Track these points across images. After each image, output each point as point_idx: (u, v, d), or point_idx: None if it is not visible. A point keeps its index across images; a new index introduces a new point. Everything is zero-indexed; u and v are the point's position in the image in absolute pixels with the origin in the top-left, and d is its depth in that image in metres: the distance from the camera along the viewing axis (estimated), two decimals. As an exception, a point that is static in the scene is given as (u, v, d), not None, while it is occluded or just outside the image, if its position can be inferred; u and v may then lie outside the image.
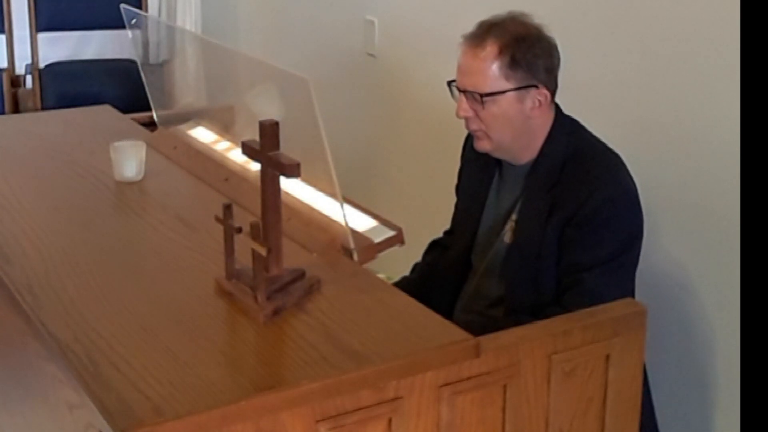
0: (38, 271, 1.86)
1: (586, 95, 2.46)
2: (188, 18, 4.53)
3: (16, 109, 4.31)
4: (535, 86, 2.01)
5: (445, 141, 3.14)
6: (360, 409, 1.50)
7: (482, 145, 2.08)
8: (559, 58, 2.05)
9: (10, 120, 3.60)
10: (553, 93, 2.05)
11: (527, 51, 2.00)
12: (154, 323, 1.65)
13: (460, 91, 2.05)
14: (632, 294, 2.06)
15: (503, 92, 1.99)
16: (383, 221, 2.06)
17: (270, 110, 1.98)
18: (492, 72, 1.99)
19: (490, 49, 1.99)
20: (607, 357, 1.76)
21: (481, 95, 2.00)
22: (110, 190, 2.31)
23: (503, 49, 1.99)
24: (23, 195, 2.27)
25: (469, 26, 2.12)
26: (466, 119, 2.06)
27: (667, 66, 2.32)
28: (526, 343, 1.66)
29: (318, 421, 1.47)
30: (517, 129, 2.03)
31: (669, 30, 2.31)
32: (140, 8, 4.45)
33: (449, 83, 2.09)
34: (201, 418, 1.38)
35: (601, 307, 1.81)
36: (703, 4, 2.21)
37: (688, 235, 2.31)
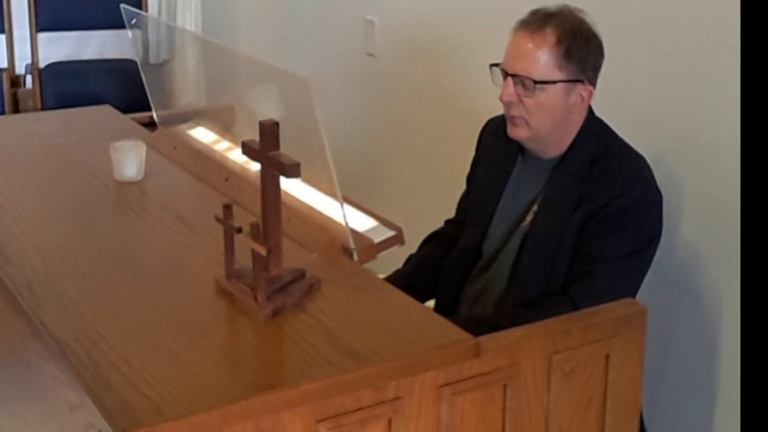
0: (38, 271, 1.86)
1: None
2: (188, 18, 4.53)
3: (16, 109, 4.31)
4: (582, 81, 2.03)
5: (445, 140, 3.14)
6: (360, 409, 1.50)
7: (519, 133, 2.07)
8: (604, 59, 2.07)
9: (10, 120, 3.60)
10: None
11: (582, 45, 2.02)
12: (154, 323, 1.65)
13: (508, 74, 2.04)
14: (635, 294, 2.07)
15: (554, 82, 2.00)
16: (383, 221, 2.06)
17: (270, 110, 1.98)
18: (547, 60, 2.00)
19: (549, 37, 2.00)
20: (607, 357, 1.76)
21: (534, 81, 2.00)
22: (110, 190, 2.31)
23: (561, 40, 2.00)
24: (23, 195, 2.27)
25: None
26: (508, 104, 2.05)
27: (668, 65, 2.32)
28: (526, 343, 1.67)
29: (318, 421, 1.47)
30: (558, 121, 2.04)
31: (669, 28, 2.31)
32: (140, 8, 4.45)
33: (492, 66, 2.09)
34: (201, 418, 1.38)
35: (601, 307, 1.81)
36: (703, 3, 2.21)
37: (688, 234, 2.31)
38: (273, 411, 1.43)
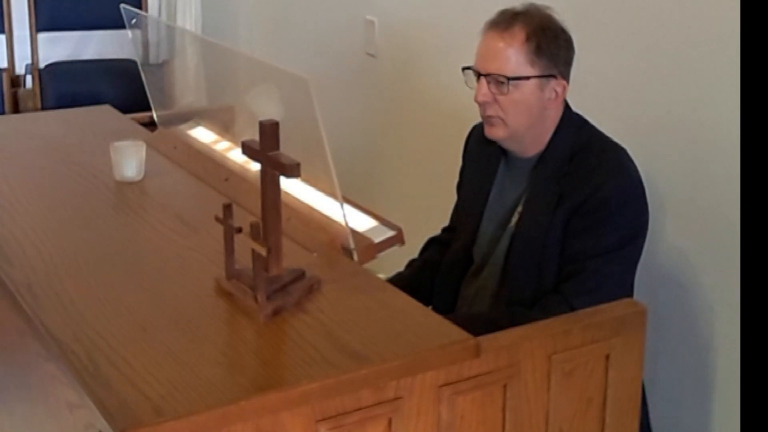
0: (38, 271, 1.86)
1: (588, 92, 2.46)
2: (188, 18, 4.53)
3: (16, 109, 4.30)
4: (555, 77, 2.04)
5: (445, 141, 3.14)
6: (360, 409, 1.50)
7: (496, 132, 2.08)
8: (574, 53, 2.08)
9: (10, 120, 3.60)
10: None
11: (552, 41, 2.03)
12: (154, 323, 1.65)
13: (481, 75, 2.05)
14: (631, 287, 2.07)
15: (527, 78, 2.01)
16: (383, 221, 2.06)
17: (270, 110, 1.98)
18: (518, 57, 2.01)
19: (518, 34, 2.01)
20: (607, 357, 1.76)
21: (508, 78, 2.01)
22: (110, 190, 2.31)
23: (530, 36, 2.01)
24: (23, 195, 2.27)
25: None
26: (484, 104, 2.06)
27: (668, 63, 2.32)
28: (526, 343, 1.67)
29: (318, 421, 1.47)
30: (534, 117, 2.05)
31: (670, 27, 2.31)
32: (140, 8, 4.45)
33: (464, 69, 2.10)
34: (201, 418, 1.38)
35: (601, 307, 1.81)
36: (704, 3, 2.21)
37: (688, 234, 2.31)
38: (273, 411, 1.43)
